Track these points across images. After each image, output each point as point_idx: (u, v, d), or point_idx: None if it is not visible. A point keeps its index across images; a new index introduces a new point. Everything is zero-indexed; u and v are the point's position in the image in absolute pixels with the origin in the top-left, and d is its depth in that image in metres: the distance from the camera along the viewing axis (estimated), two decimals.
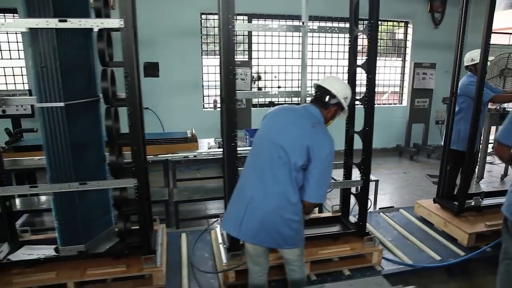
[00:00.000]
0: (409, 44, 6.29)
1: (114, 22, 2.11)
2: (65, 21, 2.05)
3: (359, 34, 2.71)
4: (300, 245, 2.07)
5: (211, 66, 5.78)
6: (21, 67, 5.28)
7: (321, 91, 2.03)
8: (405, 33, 6.33)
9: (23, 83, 5.33)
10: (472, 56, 3.56)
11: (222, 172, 2.87)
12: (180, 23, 5.41)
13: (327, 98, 2.00)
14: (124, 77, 2.19)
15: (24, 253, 2.52)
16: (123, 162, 2.51)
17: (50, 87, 2.16)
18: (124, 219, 2.49)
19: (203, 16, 5.62)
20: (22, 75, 5.34)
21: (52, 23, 2.04)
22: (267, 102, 6.23)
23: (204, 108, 5.95)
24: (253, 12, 5.68)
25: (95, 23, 2.13)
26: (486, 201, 3.36)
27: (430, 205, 3.49)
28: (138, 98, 2.30)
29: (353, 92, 2.52)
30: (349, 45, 2.80)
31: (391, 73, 6.46)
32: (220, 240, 2.77)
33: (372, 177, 3.44)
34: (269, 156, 1.95)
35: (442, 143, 3.58)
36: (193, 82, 5.69)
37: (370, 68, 2.55)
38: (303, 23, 2.48)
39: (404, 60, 6.40)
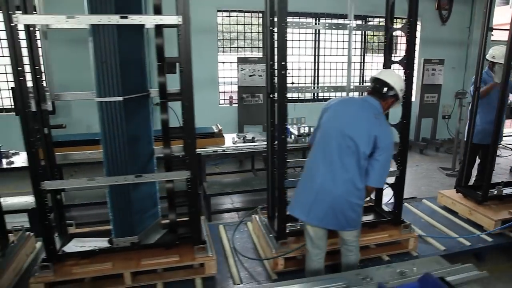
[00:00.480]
0: (417, 40, 6.46)
1: (172, 19, 2.18)
2: (126, 17, 2.11)
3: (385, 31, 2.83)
4: (359, 227, 2.23)
5: (227, 63, 5.84)
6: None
7: (379, 84, 2.15)
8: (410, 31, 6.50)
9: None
10: (494, 53, 3.68)
11: (266, 165, 2.96)
12: (197, 20, 5.42)
13: (385, 90, 2.12)
14: (179, 72, 2.27)
15: (76, 245, 2.58)
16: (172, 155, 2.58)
17: (110, 81, 2.22)
18: (175, 211, 2.57)
19: (219, 14, 5.67)
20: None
21: (114, 19, 2.10)
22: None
23: (220, 104, 6.02)
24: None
25: (154, 20, 2.20)
26: (506, 190, 3.53)
27: (453, 195, 3.66)
28: None
29: None
30: (384, 42, 2.92)
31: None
32: (263, 230, 2.87)
33: None
34: (337, 146, 2.07)
35: (465, 137, 3.73)
36: (209, 78, 5.75)
37: (409, 64, 2.68)
38: (349, 21, 2.59)
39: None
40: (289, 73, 6.41)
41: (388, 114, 2.94)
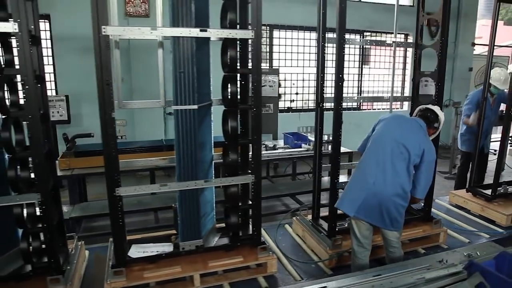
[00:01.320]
0: (409, 54, 7.04)
1: (247, 33, 2.37)
2: (205, 31, 2.28)
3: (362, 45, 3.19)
4: (401, 229, 2.47)
5: None
6: (49, 73, 5.17)
7: (431, 113, 2.46)
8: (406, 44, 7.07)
9: (50, 89, 5.22)
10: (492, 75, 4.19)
11: (313, 169, 3.17)
12: None
13: (433, 120, 2.45)
14: (252, 83, 2.45)
15: (138, 251, 2.63)
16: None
17: (186, 90, 2.36)
18: (238, 214, 2.70)
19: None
20: (50, 80, 5.23)
21: (194, 32, 2.26)
22: (286, 108, 6.63)
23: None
24: (274, 23, 6.06)
25: (230, 33, 2.37)
26: (511, 189, 4.00)
27: (464, 194, 4.07)
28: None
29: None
30: (414, 58, 3.29)
31: (397, 81, 7.19)
32: (310, 230, 3.07)
33: None
34: (391, 151, 2.34)
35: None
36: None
37: (440, 77, 3.05)
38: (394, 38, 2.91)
39: (404, 69, 7.13)
40: (293, 84, 6.72)
41: None
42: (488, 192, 3.91)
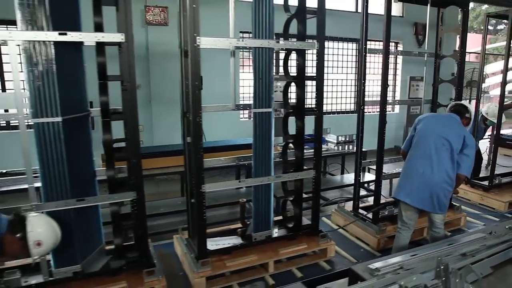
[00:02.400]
0: (399, 60, 7.74)
1: (312, 44, 2.73)
2: (278, 41, 2.61)
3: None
4: (445, 212, 2.91)
5: (246, 80, 6.35)
6: None
7: (461, 107, 2.92)
8: (396, 51, 7.77)
9: None
10: (488, 110, 4.85)
11: (355, 165, 3.57)
12: None
13: (464, 112, 2.91)
14: (316, 90, 2.81)
15: (212, 244, 2.87)
16: None
17: (263, 95, 2.67)
18: (299, 207, 3.03)
19: (240, 34, 6.19)
20: None
21: (272, 43, 2.58)
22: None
23: (240, 118, 6.45)
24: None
25: (300, 45, 2.71)
26: (503, 180, 4.65)
27: (463, 186, 4.66)
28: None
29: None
30: (434, 66, 3.81)
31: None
32: (355, 219, 3.46)
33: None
34: (434, 145, 2.78)
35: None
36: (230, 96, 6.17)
37: (459, 83, 3.59)
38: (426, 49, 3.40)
39: (395, 74, 7.81)
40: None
41: None
42: (485, 183, 4.52)
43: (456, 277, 1.74)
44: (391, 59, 8.04)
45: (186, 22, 2.46)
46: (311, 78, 2.82)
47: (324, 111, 2.92)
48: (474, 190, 4.54)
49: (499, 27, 20.52)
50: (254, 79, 2.64)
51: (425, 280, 1.76)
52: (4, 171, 3.62)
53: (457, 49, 8.19)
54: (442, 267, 1.76)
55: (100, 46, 2.32)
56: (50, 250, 1.97)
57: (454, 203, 3.78)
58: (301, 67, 2.77)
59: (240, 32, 6.16)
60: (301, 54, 2.77)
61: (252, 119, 2.75)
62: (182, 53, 2.65)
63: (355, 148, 3.77)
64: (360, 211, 3.56)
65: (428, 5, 3.39)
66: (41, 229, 1.85)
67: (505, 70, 4.42)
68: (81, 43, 2.31)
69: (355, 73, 7.35)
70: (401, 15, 7.53)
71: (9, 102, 2.24)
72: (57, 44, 2.11)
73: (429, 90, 4.12)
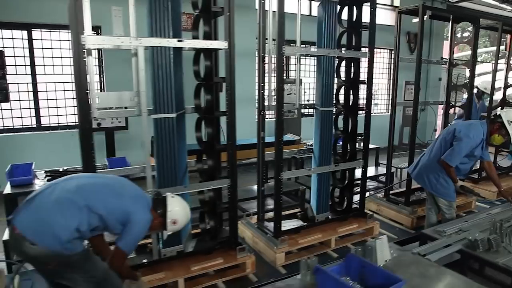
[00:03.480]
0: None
1: (365, 53, 3.29)
2: (341, 51, 3.15)
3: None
4: (447, 198, 3.27)
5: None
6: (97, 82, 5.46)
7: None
8: (390, 58, 8.59)
9: None
10: (487, 86, 5.54)
11: (387, 159, 4.16)
12: (239, 45, 6.36)
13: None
14: (367, 93, 3.37)
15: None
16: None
17: (328, 96, 3.20)
18: (351, 193, 3.57)
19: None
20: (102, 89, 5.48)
21: (336, 52, 3.11)
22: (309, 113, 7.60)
23: (256, 119, 6.92)
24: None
25: (357, 54, 3.26)
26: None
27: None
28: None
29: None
30: (448, 72, 4.50)
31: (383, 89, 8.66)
32: (387, 204, 4.05)
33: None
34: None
35: None
36: (249, 97, 6.64)
37: (471, 87, 4.31)
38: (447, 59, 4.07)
39: (389, 79, 8.62)
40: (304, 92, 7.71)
41: None
42: (475, 176, 5.26)
43: (507, 232, 2.35)
44: (387, 65, 8.90)
45: None
46: (362, 82, 3.37)
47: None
48: (466, 183, 5.29)
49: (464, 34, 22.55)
50: (321, 83, 3.15)
51: (486, 235, 2.35)
52: (65, 168, 3.84)
53: (443, 56, 9.14)
54: (498, 225, 2.36)
55: (208, 52, 2.73)
56: (180, 229, 2.34)
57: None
58: (356, 73, 3.32)
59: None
60: (357, 62, 3.32)
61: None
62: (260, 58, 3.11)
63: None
64: (392, 197, 4.17)
65: (450, 21, 4.05)
66: (178, 209, 2.21)
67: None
68: (181, 48, 2.72)
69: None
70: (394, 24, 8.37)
71: (111, 101, 2.54)
72: (174, 49, 2.52)
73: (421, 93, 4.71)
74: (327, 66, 3.15)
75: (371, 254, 1.99)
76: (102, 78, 5.63)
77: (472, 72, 4.31)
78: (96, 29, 5.42)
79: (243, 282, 2.81)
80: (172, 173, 2.63)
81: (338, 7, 3.19)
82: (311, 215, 3.39)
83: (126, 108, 2.61)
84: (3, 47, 4.94)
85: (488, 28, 5.71)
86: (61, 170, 3.67)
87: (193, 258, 2.78)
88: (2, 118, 5.09)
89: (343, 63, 3.40)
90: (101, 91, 5.67)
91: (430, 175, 3.21)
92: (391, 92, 4.03)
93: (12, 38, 5.05)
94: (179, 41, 2.50)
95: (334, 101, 3.44)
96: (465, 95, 4.61)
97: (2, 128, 5.12)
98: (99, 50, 5.51)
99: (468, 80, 4.85)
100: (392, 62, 7.56)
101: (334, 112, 3.37)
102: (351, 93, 3.42)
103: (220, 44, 2.66)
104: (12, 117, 5.14)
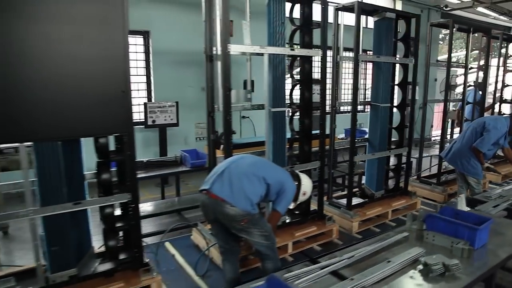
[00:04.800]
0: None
1: (411, 60, 4.14)
2: (395, 57, 3.99)
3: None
4: (476, 177, 4.29)
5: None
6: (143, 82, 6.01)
7: None
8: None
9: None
10: None
11: (419, 149, 5.04)
12: None
13: None
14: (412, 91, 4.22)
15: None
16: None
17: (385, 94, 4.01)
18: (398, 175, 4.40)
19: None
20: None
21: (392, 59, 3.94)
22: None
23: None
24: None
25: (409, 61, 4.10)
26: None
27: None
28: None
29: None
30: (464, 74, 5.46)
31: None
32: (422, 185, 4.94)
33: None
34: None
35: None
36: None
37: (484, 87, 5.29)
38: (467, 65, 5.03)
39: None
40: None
41: None
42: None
43: None
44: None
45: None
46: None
47: None
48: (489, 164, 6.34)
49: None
50: (382, 83, 3.97)
51: None
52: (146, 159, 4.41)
53: (440, 59, 10.27)
54: None
55: (307, 58, 3.45)
56: (304, 200, 2.99)
57: None
58: (406, 76, 4.16)
59: None
60: (406, 68, 4.15)
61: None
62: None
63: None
64: (423, 179, 5.07)
65: (471, 33, 5.00)
66: (308, 183, 2.87)
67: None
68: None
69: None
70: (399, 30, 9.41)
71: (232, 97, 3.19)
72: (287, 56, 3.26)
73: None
74: (388, 69, 3.97)
75: (456, 206, 2.80)
76: (149, 79, 6.17)
77: (485, 75, 5.27)
78: (145, 34, 5.97)
79: (332, 246, 3.53)
80: (282, 156, 3.34)
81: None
82: (371, 193, 4.19)
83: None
84: None
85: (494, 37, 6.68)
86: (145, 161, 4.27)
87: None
88: None
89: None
90: (149, 90, 6.22)
91: (462, 159, 4.08)
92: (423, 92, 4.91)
93: None
94: (291, 49, 3.22)
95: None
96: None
97: None
98: (147, 55, 6.05)
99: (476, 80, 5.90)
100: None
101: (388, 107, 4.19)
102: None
103: (317, 52, 3.39)
104: None
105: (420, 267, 2.08)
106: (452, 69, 5.50)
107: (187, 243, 3.55)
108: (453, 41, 5.29)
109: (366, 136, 6.03)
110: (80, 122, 2.28)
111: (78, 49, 2.20)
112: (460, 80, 7.28)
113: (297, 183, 2.77)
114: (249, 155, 2.91)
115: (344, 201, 4.05)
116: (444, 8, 8.96)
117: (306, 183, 2.84)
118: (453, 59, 11.17)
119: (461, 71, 7.46)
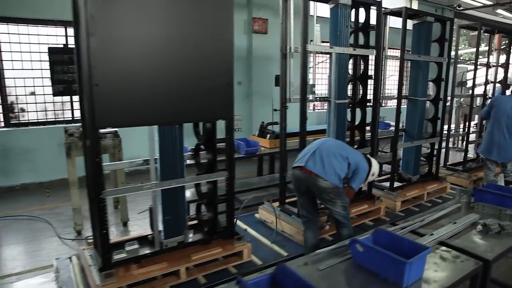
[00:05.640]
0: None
1: (442, 59, 4.70)
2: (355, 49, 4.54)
3: None
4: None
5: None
6: None
7: None
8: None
9: None
10: None
11: (446, 139, 5.61)
12: None
13: None
14: None
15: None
16: None
17: (423, 86, 4.56)
18: (431, 163, 4.98)
19: None
20: None
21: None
22: None
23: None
24: None
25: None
26: None
27: None
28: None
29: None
30: (486, 73, 6.04)
31: None
32: (449, 172, 5.52)
33: None
34: (505, 123, 4.84)
35: None
36: None
37: (505, 82, 5.87)
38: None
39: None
40: None
41: None
42: None
43: None
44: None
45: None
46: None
47: None
48: None
49: None
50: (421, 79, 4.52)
51: None
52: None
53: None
54: None
55: (365, 57, 3.97)
56: (372, 180, 3.53)
57: None
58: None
59: None
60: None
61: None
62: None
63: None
64: (449, 167, 5.67)
65: (495, 35, 5.56)
66: (376, 165, 3.37)
67: None
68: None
69: None
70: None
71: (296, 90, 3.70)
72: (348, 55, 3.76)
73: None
74: (423, 72, 4.53)
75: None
76: None
77: (506, 73, 5.84)
78: None
79: (380, 221, 4.08)
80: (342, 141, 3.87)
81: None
82: (408, 177, 4.76)
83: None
84: None
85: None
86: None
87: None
88: None
89: None
90: None
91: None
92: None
93: None
94: (354, 49, 3.74)
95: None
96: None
97: None
98: None
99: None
100: None
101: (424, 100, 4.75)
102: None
103: (372, 51, 3.92)
104: None
105: (480, 227, 2.63)
106: (460, 66, 6.15)
107: (254, 220, 4.09)
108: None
109: (392, 128, 6.65)
110: (196, 109, 2.77)
111: (197, 48, 2.66)
112: (469, 76, 7.84)
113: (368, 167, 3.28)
114: (330, 138, 3.45)
115: (386, 184, 4.62)
116: (457, 7, 9.55)
117: (375, 166, 3.34)
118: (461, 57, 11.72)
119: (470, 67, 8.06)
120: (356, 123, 4.19)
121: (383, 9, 4.39)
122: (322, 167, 2.90)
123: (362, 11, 3.93)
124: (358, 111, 4.13)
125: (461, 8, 9.58)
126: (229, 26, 2.80)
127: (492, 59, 5.71)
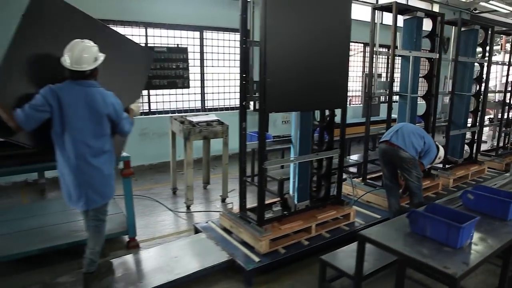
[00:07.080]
0: None
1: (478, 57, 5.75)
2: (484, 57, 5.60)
3: None
4: None
5: None
6: None
7: None
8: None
9: None
10: None
11: (478, 131, 6.69)
12: None
13: None
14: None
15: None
16: None
17: (469, 82, 5.62)
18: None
19: None
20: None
21: (476, 60, 5.55)
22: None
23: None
24: None
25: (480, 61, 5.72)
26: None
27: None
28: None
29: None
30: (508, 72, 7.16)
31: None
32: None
33: None
34: None
35: None
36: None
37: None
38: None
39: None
40: None
41: None
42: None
43: None
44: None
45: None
46: None
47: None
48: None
49: None
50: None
51: None
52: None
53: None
54: None
55: (431, 59, 4.99)
56: (438, 162, 4.54)
57: None
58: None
59: None
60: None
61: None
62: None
63: None
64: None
65: (503, 36, 6.65)
66: (442, 151, 4.30)
67: None
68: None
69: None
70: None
71: (380, 85, 4.71)
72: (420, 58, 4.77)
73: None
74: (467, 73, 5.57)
75: None
76: None
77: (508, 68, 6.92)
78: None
79: (439, 195, 5.08)
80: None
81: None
82: (455, 160, 5.81)
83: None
84: (186, 45, 6.71)
85: None
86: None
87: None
88: (183, 101, 6.86)
89: None
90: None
91: None
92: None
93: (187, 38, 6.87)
94: (423, 52, 4.76)
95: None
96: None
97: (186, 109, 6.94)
98: None
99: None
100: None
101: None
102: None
103: (435, 55, 4.93)
104: (189, 100, 6.93)
105: None
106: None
107: None
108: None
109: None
110: (325, 99, 3.69)
111: (327, 47, 3.48)
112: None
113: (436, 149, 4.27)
114: (407, 123, 4.43)
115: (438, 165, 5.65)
116: (473, 10, 10.72)
117: (441, 150, 4.33)
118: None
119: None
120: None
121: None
122: (404, 141, 3.87)
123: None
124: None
125: (477, 11, 10.75)
126: (348, 25, 3.59)
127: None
